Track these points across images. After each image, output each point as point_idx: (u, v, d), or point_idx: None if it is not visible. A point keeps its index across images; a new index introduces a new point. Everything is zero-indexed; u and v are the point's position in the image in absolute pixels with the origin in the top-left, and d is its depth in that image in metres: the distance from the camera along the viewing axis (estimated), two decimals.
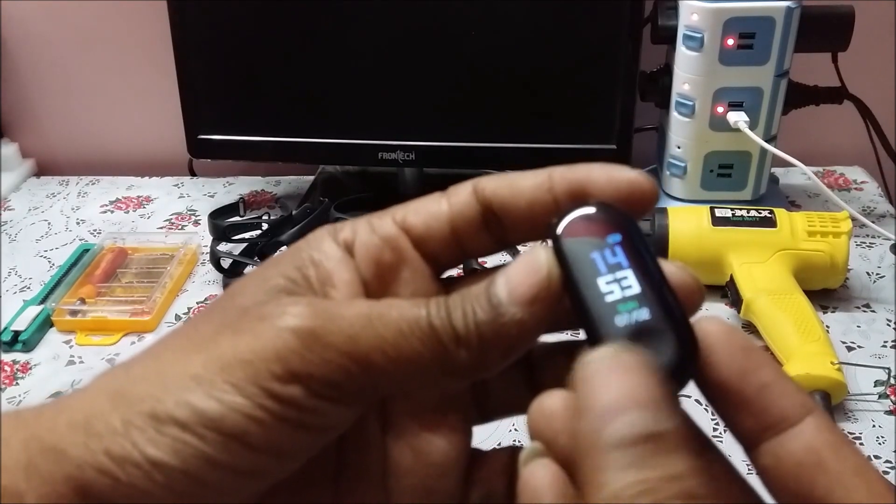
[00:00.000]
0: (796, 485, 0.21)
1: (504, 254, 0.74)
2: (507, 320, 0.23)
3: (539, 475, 0.23)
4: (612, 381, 0.20)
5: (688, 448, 0.20)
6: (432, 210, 0.27)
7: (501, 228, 0.27)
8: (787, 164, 0.82)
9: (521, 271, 0.24)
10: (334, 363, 0.23)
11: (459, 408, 0.28)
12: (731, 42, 0.80)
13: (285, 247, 0.29)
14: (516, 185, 0.26)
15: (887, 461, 0.61)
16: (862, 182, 1.02)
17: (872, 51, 1.00)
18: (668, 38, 0.85)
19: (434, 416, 0.27)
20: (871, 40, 0.99)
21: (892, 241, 0.83)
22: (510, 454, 0.27)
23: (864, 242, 0.88)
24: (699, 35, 0.81)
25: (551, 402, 0.23)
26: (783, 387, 0.22)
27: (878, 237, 0.88)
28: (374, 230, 0.27)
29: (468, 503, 0.27)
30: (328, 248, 0.26)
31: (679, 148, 0.88)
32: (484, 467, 0.28)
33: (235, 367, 0.23)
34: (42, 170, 1.17)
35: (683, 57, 0.83)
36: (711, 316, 0.23)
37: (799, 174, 0.97)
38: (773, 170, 0.92)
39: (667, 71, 0.88)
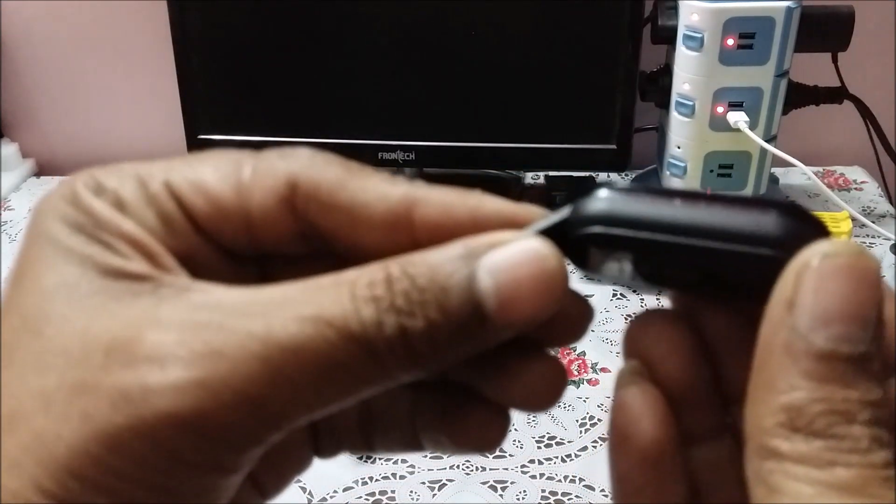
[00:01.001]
0: None
1: None
2: (489, 337, 0.19)
3: (639, 401, 0.20)
4: (841, 285, 0.17)
5: (881, 373, 0.18)
6: (223, 204, 0.20)
7: (322, 241, 0.21)
8: (787, 164, 0.82)
9: (522, 275, 0.19)
10: (238, 437, 0.18)
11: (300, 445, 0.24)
12: (731, 42, 0.80)
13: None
14: (357, 216, 0.20)
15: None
16: (862, 182, 1.02)
17: (872, 51, 1.00)
18: (668, 38, 0.85)
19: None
20: (871, 40, 0.99)
21: (892, 241, 0.83)
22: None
23: (864, 242, 0.88)
24: (699, 35, 0.81)
25: (661, 319, 0.21)
26: None
27: (878, 237, 0.88)
28: (148, 203, 0.20)
29: None
30: (105, 211, 0.19)
31: (679, 148, 0.88)
32: None
33: (97, 477, 0.17)
34: (42, 170, 1.17)
35: (683, 57, 0.83)
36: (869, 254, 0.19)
37: (799, 174, 0.97)
38: (773, 170, 0.92)
39: (667, 71, 0.88)
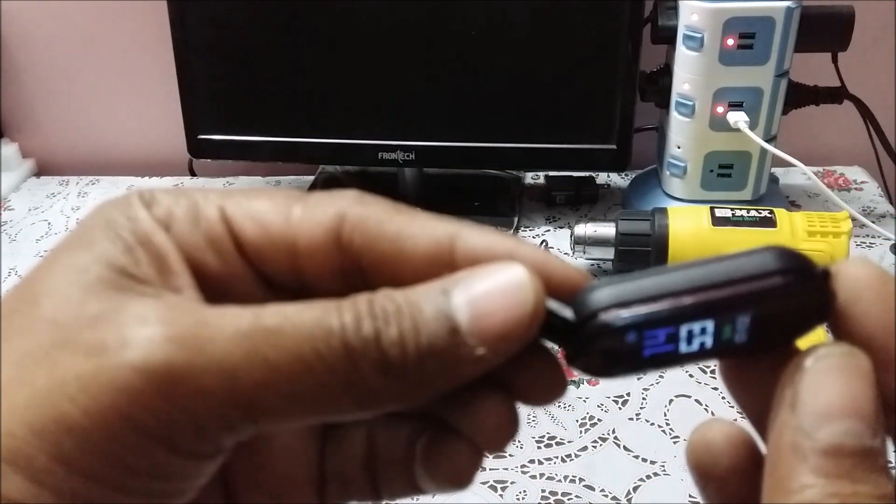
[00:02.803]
0: None
1: None
2: (462, 354, 0.19)
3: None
4: (838, 382, 0.18)
5: (888, 468, 0.18)
6: (272, 231, 0.21)
7: (362, 278, 0.21)
8: (787, 164, 0.82)
9: (494, 295, 0.19)
10: (206, 411, 0.17)
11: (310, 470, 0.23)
12: (731, 42, 0.80)
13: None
14: (402, 246, 0.20)
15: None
16: (862, 182, 1.02)
17: (872, 51, 1.00)
18: (668, 38, 0.85)
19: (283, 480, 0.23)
20: (871, 40, 0.99)
21: (893, 241, 0.83)
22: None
23: (865, 242, 0.88)
24: (699, 35, 0.81)
25: (717, 429, 0.21)
26: None
27: (879, 237, 0.88)
28: (195, 223, 0.20)
29: None
30: (147, 226, 0.20)
31: (679, 148, 0.88)
32: None
33: (55, 437, 0.16)
34: (42, 170, 1.17)
35: (683, 57, 0.83)
36: (860, 258, 0.20)
37: (799, 174, 0.97)
38: (773, 170, 0.92)
39: (667, 71, 0.88)
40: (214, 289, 0.20)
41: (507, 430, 0.22)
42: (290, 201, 0.21)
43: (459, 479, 0.22)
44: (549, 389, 0.22)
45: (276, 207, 0.21)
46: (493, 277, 0.19)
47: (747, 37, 0.80)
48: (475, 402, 0.21)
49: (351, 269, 0.21)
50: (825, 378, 0.18)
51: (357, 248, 0.20)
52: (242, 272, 0.21)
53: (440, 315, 0.19)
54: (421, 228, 0.20)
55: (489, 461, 0.62)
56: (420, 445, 0.23)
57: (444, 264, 0.20)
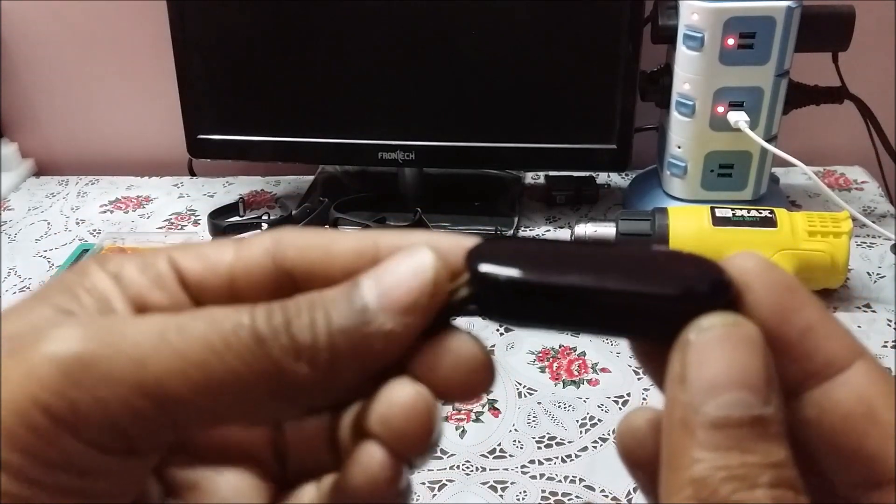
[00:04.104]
0: (843, 438, 0.19)
1: None
2: (372, 330, 0.19)
3: None
4: (722, 354, 0.18)
5: (784, 436, 0.18)
6: (213, 260, 0.22)
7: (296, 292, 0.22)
8: (788, 164, 0.82)
9: (397, 272, 0.20)
10: (114, 399, 0.18)
11: (258, 471, 0.24)
12: (731, 42, 0.80)
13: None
14: (331, 251, 0.22)
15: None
16: (862, 182, 1.02)
17: (873, 51, 1.00)
18: (668, 37, 0.85)
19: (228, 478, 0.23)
20: (872, 40, 0.99)
21: (893, 241, 0.83)
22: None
23: (865, 242, 0.88)
24: (699, 35, 0.81)
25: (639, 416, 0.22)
26: (829, 328, 0.19)
27: (879, 237, 0.88)
28: (143, 269, 0.22)
29: None
30: (97, 278, 0.21)
31: (679, 148, 0.88)
32: None
33: None
34: (42, 170, 1.17)
35: (684, 57, 0.83)
36: (749, 251, 0.20)
37: (799, 174, 0.97)
38: (773, 170, 0.92)
39: (667, 71, 0.87)
40: None
41: (424, 431, 0.21)
42: (235, 241, 0.23)
43: (377, 488, 0.21)
44: (471, 375, 0.21)
45: (221, 245, 0.22)
46: (397, 258, 0.20)
47: (748, 36, 0.80)
48: (391, 400, 0.21)
49: (286, 283, 0.22)
50: (709, 351, 0.18)
51: (290, 261, 0.22)
52: (183, 305, 0.21)
53: (349, 297, 0.20)
54: (347, 237, 0.22)
55: (489, 461, 0.62)
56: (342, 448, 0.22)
57: (368, 260, 0.21)
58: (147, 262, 0.22)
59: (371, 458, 0.21)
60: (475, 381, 0.21)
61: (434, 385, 0.21)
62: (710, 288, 0.20)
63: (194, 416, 0.19)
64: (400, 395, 0.21)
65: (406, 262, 0.20)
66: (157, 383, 0.18)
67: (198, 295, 0.22)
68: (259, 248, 0.22)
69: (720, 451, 0.17)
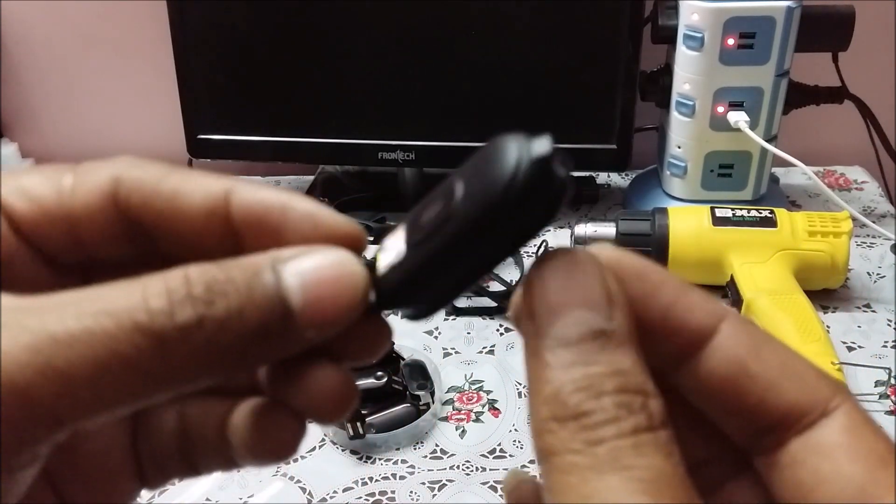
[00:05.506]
0: (726, 401, 0.20)
1: None
2: (291, 333, 0.19)
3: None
4: (558, 279, 0.19)
5: (633, 345, 0.19)
6: (45, 198, 0.20)
7: (148, 238, 0.21)
8: (788, 164, 0.82)
9: (326, 280, 0.19)
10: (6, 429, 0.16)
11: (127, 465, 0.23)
12: (731, 42, 0.80)
13: None
14: (178, 204, 0.20)
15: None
16: (862, 182, 1.02)
17: (873, 51, 1.00)
18: (668, 37, 0.85)
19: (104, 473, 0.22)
20: (872, 40, 0.98)
21: (893, 241, 0.83)
22: None
23: (865, 242, 0.88)
24: (699, 35, 0.81)
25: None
26: (688, 300, 0.20)
27: (879, 237, 0.88)
28: None
29: None
30: None
31: (679, 148, 0.88)
32: None
33: None
34: None
35: (684, 57, 0.83)
36: (600, 244, 0.21)
37: (799, 174, 0.97)
38: (773, 170, 0.92)
39: (667, 71, 0.87)
40: None
41: (344, 399, 0.21)
42: (61, 172, 0.21)
43: (283, 451, 0.22)
44: (372, 342, 0.22)
45: (47, 180, 0.21)
46: (323, 264, 0.19)
47: (748, 36, 0.80)
48: (305, 376, 0.21)
49: (134, 231, 0.21)
50: (547, 279, 0.19)
51: (135, 209, 0.20)
52: (23, 254, 0.20)
53: (274, 296, 0.19)
54: (196, 185, 0.21)
55: (489, 461, 0.62)
56: (240, 420, 0.22)
57: (221, 218, 0.20)
58: None
59: (285, 427, 0.21)
60: (374, 350, 0.22)
61: (338, 356, 0.21)
62: (529, 161, 0.21)
63: (90, 421, 0.17)
64: (324, 378, 0.21)
65: (332, 266, 0.19)
66: (47, 411, 0.17)
67: (34, 239, 0.20)
68: (96, 192, 0.20)
69: (565, 368, 0.18)
